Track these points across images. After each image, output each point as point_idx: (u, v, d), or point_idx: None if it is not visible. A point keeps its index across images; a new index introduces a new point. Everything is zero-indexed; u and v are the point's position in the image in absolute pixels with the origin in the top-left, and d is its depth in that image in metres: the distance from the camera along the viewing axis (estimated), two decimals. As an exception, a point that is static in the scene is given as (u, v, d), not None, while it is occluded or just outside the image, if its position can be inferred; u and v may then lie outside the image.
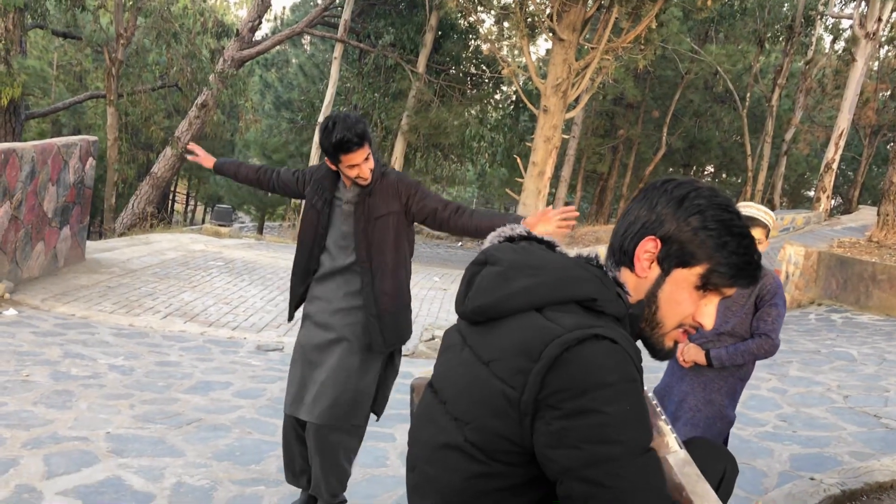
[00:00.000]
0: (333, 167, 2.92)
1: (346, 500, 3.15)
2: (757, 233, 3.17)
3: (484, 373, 1.30)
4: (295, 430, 3.07)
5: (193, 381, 5.26)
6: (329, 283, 3.02)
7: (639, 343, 1.43)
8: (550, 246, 1.46)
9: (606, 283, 1.34)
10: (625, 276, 1.40)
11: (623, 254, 1.40)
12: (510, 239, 1.49)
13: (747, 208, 3.26)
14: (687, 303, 1.38)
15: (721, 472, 1.76)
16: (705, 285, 1.37)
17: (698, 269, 1.36)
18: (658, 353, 1.43)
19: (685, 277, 1.37)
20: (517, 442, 1.26)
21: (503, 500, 1.31)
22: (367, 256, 2.92)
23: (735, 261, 1.35)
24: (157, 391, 4.92)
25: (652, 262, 1.38)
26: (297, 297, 3.13)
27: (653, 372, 6.24)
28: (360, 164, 2.83)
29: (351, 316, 2.97)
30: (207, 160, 3.45)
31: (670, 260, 1.36)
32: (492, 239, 1.51)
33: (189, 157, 3.49)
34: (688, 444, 1.75)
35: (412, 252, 3.13)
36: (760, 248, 3.18)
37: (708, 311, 1.39)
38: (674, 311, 1.39)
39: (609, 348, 1.21)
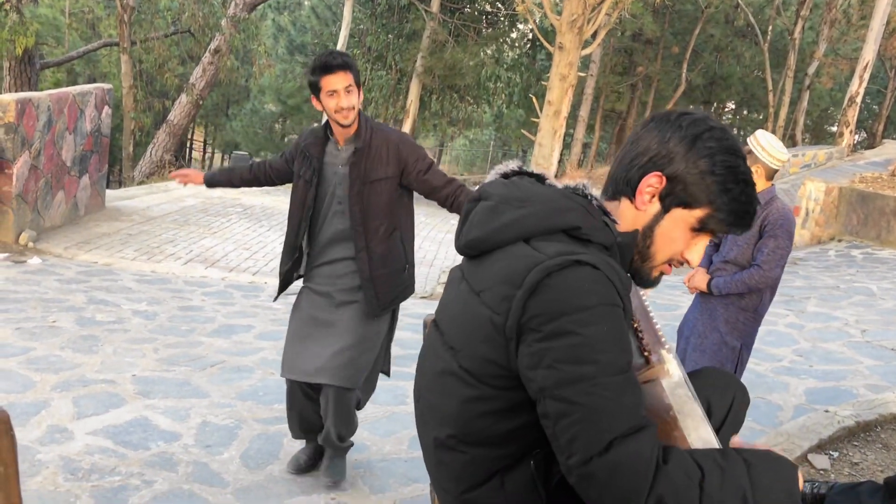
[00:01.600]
0: (318, 105, 2.82)
1: (352, 444, 3.20)
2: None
3: (475, 302, 1.36)
4: (303, 391, 3.03)
5: (216, 325, 5.35)
6: (329, 249, 2.96)
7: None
8: (540, 179, 1.49)
9: (592, 212, 1.37)
10: (623, 206, 1.43)
11: (626, 184, 1.42)
12: (505, 175, 1.53)
13: (762, 136, 3.27)
14: (680, 241, 1.42)
15: (730, 400, 1.79)
16: (702, 228, 1.40)
17: (698, 213, 1.39)
18: (644, 282, 1.48)
19: (684, 218, 1.39)
20: (504, 366, 1.31)
21: (497, 423, 1.37)
22: (361, 220, 2.85)
23: (735, 208, 1.38)
24: (181, 335, 5.02)
25: (653, 198, 1.40)
26: (283, 274, 3.04)
27: (669, 309, 6.25)
28: (339, 91, 2.73)
29: (353, 280, 2.93)
30: (197, 178, 3.30)
31: (672, 199, 1.39)
32: (491, 176, 1.55)
33: (181, 184, 3.35)
34: (699, 372, 1.79)
35: (411, 213, 3.05)
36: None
37: (697, 250, 1.43)
38: (666, 247, 1.42)
39: (590, 273, 1.24)
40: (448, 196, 2.91)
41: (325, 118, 2.94)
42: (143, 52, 18.22)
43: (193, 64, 20.66)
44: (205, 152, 43.08)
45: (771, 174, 3.30)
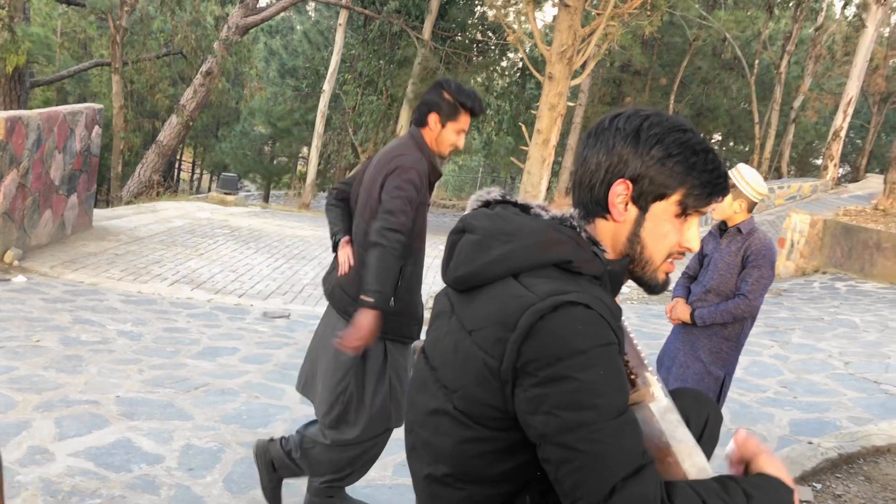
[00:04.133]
0: (437, 126, 2.75)
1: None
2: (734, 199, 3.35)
3: (467, 342, 1.33)
4: None
5: (201, 347, 5.33)
6: None
7: (632, 285, 1.48)
8: (525, 209, 1.45)
9: (581, 244, 1.34)
10: (601, 226, 1.39)
11: (596, 204, 1.38)
12: (487, 203, 1.49)
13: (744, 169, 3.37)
14: (671, 233, 1.38)
15: (705, 418, 1.81)
16: (685, 211, 1.36)
17: (675, 197, 1.35)
18: (653, 288, 1.44)
19: (664, 209, 1.36)
20: (500, 408, 1.29)
21: (494, 463, 1.34)
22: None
23: (707, 178, 1.35)
24: (166, 356, 5.00)
25: (627, 204, 1.37)
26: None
27: (654, 338, 6.28)
28: (464, 133, 2.81)
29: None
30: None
31: (646, 197, 1.36)
32: (471, 204, 1.51)
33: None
34: (674, 393, 1.80)
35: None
36: (730, 212, 3.35)
37: (692, 235, 1.39)
38: (660, 245, 1.39)
39: (583, 314, 1.22)
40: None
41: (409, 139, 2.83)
42: (135, 72, 18.28)
43: (184, 85, 20.74)
44: (193, 173, 43.05)
45: (752, 206, 3.39)
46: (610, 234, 1.39)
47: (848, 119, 20.20)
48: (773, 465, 1.30)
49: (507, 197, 1.48)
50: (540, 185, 11.95)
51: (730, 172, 3.35)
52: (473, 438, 1.34)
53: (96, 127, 9.25)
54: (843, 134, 20.42)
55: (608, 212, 1.37)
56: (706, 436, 1.85)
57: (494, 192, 1.49)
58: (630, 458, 1.19)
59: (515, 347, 1.23)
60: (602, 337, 1.22)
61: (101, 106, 9.52)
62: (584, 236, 1.36)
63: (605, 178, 1.36)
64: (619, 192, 1.35)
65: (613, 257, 1.40)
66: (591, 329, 1.22)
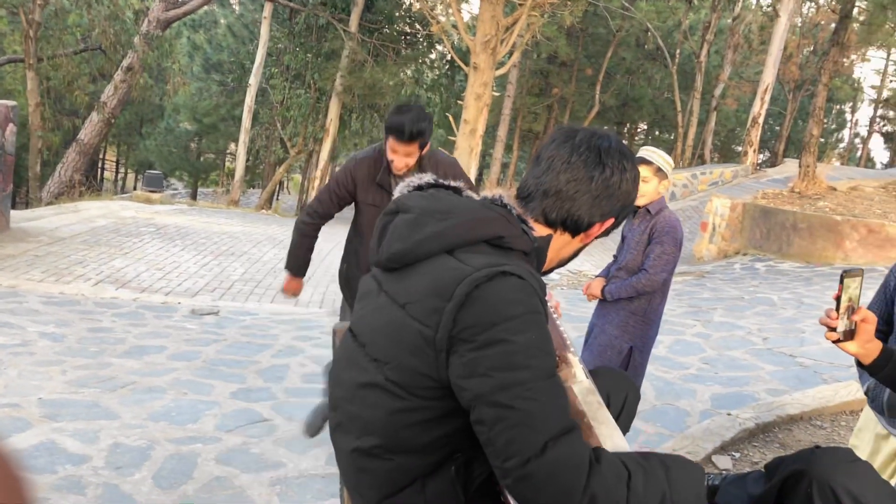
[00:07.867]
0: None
1: None
2: (644, 170, 3.39)
3: (400, 315, 1.38)
4: None
5: (127, 346, 5.22)
6: None
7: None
8: (457, 191, 1.53)
9: (512, 222, 1.43)
10: (558, 237, 1.56)
11: (575, 223, 1.54)
12: (419, 188, 1.56)
13: (644, 151, 3.47)
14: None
15: (623, 396, 1.89)
16: None
17: None
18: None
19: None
20: (434, 377, 1.34)
21: (424, 432, 1.39)
22: None
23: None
24: (90, 356, 4.88)
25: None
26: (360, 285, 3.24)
27: (584, 321, 6.42)
28: (398, 153, 3.11)
29: None
30: (298, 285, 3.64)
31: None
32: (401, 189, 1.57)
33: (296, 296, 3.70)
34: (594, 372, 1.88)
35: None
36: (647, 186, 3.41)
37: None
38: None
39: (516, 283, 1.30)
40: None
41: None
42: (51, 68, 17.66)
43: (105, 82, 20.14)
44: (117, 172, 41.87)
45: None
46: (562, 244, 1.55)
47: (765, 106, 20.90)
48: None
49: (439, 181, 1.55)
50: (469, 174, 12.04)
51: (648, 156, 3.42)
52: (405, 409, 1.38)
53: (11, 125, 8.92)
54: (761, 120, 21.12)
55: (586, 234, 1.54)
56: (625, 413, 1.94)
57: (426, 177, 1.56)
58: (561, 417, 1.25)
59: (451, 316, 1.29)
60: (532, 305, 1.30)
61: (14, 103, 9.17)
62: (515, 214, 1.45)
63: (592, 210, 1.51)
64: (604, 224, 1.55)
65: (539, 234, 1.49)
66: (522, 297, 1.29)
